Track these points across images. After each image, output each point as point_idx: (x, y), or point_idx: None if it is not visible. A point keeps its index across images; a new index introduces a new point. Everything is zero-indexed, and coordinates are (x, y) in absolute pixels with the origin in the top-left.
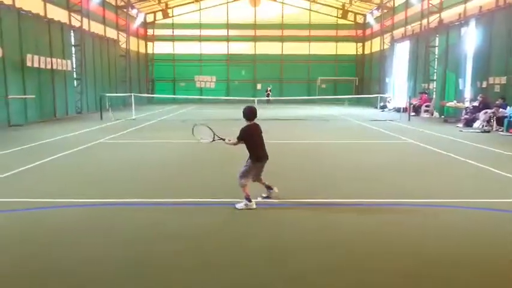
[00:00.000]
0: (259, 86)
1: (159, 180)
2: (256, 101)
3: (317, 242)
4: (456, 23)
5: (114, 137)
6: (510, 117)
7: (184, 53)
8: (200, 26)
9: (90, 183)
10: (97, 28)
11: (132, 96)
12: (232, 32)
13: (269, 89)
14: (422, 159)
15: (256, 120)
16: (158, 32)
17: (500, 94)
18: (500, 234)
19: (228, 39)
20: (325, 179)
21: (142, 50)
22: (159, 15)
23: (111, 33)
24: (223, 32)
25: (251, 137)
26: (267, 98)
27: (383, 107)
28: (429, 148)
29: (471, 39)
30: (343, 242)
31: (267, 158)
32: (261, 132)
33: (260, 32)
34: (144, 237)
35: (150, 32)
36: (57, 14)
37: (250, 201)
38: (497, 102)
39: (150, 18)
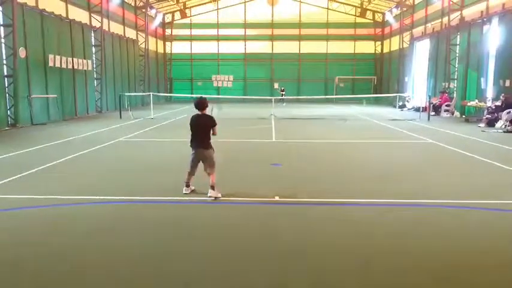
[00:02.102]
0: (276, 85)
1: (175, 180)
2: (273, 100)
3: (340, 244)
4: (478, 21)
5: (134, 136)
6: None
7: (202, 53)
8: (218, 25)
9: (111, 181)
10: (117, 28)
11: (151, 95)
12: (250, 31)
13: (283, 88)
14: (444, 159)
15: (274, 119)
16: (176, 31)
17: None
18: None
19: (245, 38)
20: (344, 178)
21: (160, 50)
22: (177, 15)
23: (131, 33)
24: (240, 32)
25: (191, 126)
26: (281, 97)
27: (402, 107)
28: (450, 148)
29: (494, 37)
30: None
31: (199, 147)
32: (201, 123)
33: (277, 31)
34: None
35: (168, 31)
36: (78, 14)
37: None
38: None
39: (168, 18)
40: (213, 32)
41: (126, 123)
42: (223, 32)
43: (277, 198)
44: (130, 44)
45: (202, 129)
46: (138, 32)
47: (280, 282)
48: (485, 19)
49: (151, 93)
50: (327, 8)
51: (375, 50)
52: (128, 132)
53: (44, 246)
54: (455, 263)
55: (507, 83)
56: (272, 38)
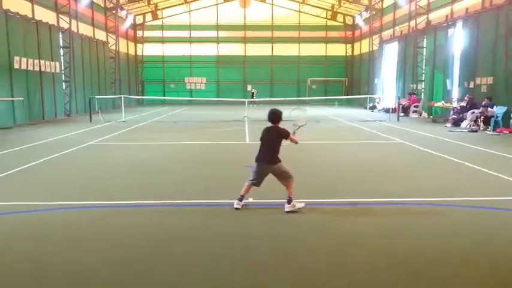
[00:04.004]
0: (249, 87)
1: (147, 183)
2: (246, 102)
3: (316, 243)
4: (443, 24)
5: (104, 139)
6: (497, 117)
7: (174, 55)
8: (190, 27)
9: (78, 186)
10: (86, 30)
11: (122, 98)
12: (222, 34)
13: (254, 91)
14: (412, 159)
15: (248, 121)
16: (148, 33)
17: (486, 94)
18: (494, 232)
19: (218, 40)
20: (316, 179)
21: (132, 52)
22: (149, 16)
23: (101, 35)
24: (213, 34)
25: (260, 139)
26: (252, 99)
27: (372, 108)
28: (419, 148)
29: (458, 40)
30: (343, 243)
31: (263, 161)
32: (271, 136)
33: (250, 34)
34: (142, 239)
35: (139, 33)
36: (45, 15)
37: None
38: (484, 102)
39: (139, 19)
40: (185, 34)
41: (96, 126)
42: (195, 34)
43: (251, 199)
44: (100, 46)
45: (271, 142)
46: (109, 34)
47: (258, 282)
48: (449, 23)
49: (122, 95)
50: (299, 11)
51: (346, 52)
52: (98, 136)
53: (11, 252)
54: (430, 260)
55: (471, 85)
56: (245, 40)
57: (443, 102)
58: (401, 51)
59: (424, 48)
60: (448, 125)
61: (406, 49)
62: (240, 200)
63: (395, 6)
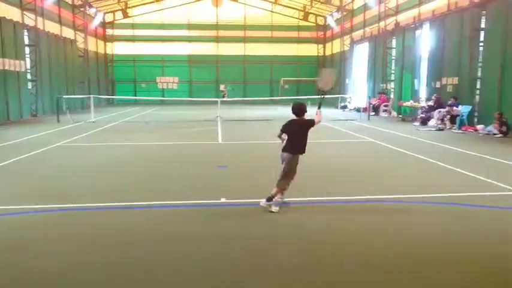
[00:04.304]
0: (222, 87)
1: (119, 183)
2: (219, 101)
3: (287, 241)
4: (411, 26)
5: (72, 140)
6: (462, 116)
7: (145, 54)
8: (161, 26)
9: (45, 189)
10: (53, 28)
11: (91, 98)
12: (194, 33)
13: (225, 91)
14: (382, 157)
15: (221, 121)
16: (118, 32)
17: (452, 94)
18: (461, 227)
19: (189, 39)
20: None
21: (101, 51)
22: (119, 14)
23: (68, 33)
24: (185, 33)
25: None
26: (223, 99)
27: (344, 107)
28: (388, 146)
29: (425, 41)
30: (313, 241)
31: (299, 152)
32: (293, 128)
33: (222, 33)
34: (110, 242)
35: (109, 32)
36: (9, 12)
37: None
38: (450, 102)
39: (109, 17)
40: (156, 32)
41: (65, 127)
42: (167, 33)
43: (223, 200)
44: (68, 44)
45: (295, 134)
46: (77, 32)
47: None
48: (417, 24)
49: (91, 95)
50: (271, 11)
51: (318, 52)
52: (66, 137)
53: None
54: (401, 258)
55: (438, 84)
56: (217, 39)
57: (411, 101)
58: (372, 51)
59: (393, 49)
60: (417, 123)
61: (376, 49)
62: (275, 196)
63: (365, 8)
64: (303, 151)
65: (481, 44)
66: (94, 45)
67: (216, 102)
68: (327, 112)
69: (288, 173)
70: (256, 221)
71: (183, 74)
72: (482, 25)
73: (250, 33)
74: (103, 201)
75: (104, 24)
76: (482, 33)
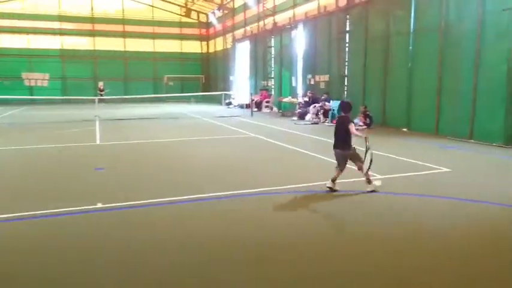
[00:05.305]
0: (100, 84)
1: None
2: (96, 100)
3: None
4: (287, 26)
5: None
6: (333, 110)
7: (7, 47)
8: (27, 16)
9: None
10: None
11: None
12: (67, 25)
13: (102, 88)
14: (261, 151)
15: (99, 121)
16: None
17: (324, 90)
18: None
19: (61, 32)
20: (172, 177)
21: None
22: None
23: None
24: (56, 25)
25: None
26: (100, 97)
27: (228, 104)
28: (268, 140)
29: (300, 41)
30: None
31: (337, 148)
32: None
33: (99, 27)
34: None
35: None
36: None
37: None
38: (322, 97)
39: None
40: (21, 24)
41: None
42: (34, 24)
43: (100, 205)
44: None
45: (338, 130)
46: None
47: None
48: (292, 25)
49: None
50: (152, 6)
51: (202, 49)
52: None
53: None
54: (279, 243)
55: (312, 81)
56: (93, 33)
57: (290, 97)
58: (253, 50)
59: (272, 48)
60: (295, 118)
61: (256, 48)
62: (333, 181)
63: (245, 7)
64: (340, 147)
65: (347, 44)
66: None
67: (94, 101)
68: (212, 109)
69: (339, 164)
70: (139, 225)
71: (54, 70)
72: (347, 28)
73: (130, 28)
74: None
75: None
76: (347, 35)
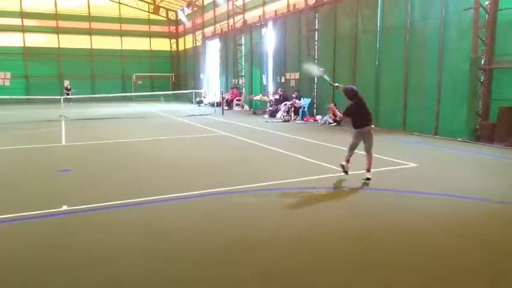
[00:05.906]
0: (66, 83)
1: None
2: (62, 99)
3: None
4: (257, 24)
5: None
6: (304, 108)
7: None
8: None
9: None
10: None
11: None
12: (29, 22)
13: (69, 87)
14: (231, 149)
15: (65, 121)
16: None
17: (295, 88)
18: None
19: (24, 29)
20: (140, 177)
21: None
22: None
23: None
24: (17, 21)
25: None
26: (66, 96)
27: (199, 102)
28: (238, 138)
29: (270, 38)
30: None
31: (367, 126)
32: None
33: (64, 24)
34: None
35: None
36: None
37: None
38: (293, 95)
39: None
40: None
41: None
42: None
43: (65, 207)
44: None
45: (366, 109)
46: None
47: None
48: (262, 23)
49: None
50: (119, 3)
51: (171, 47)
52: None
53: None
54: (244, 242)
55: (283, 79)
56: (57, 31)
57: (261, 95)
58: (223, 47)
59: (243, 46)
60: (266, 116)
61: (227, 46)
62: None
63: (214, 4)
64: (370, 123)
65: (316, 43)
66: None
67: (59, 101)
68: (183, 107)
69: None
70: (105, 229)
71: (17, 68)
72: (317, 26)
73: (96, 25)
74: None
75: None
76: (316, 34)
